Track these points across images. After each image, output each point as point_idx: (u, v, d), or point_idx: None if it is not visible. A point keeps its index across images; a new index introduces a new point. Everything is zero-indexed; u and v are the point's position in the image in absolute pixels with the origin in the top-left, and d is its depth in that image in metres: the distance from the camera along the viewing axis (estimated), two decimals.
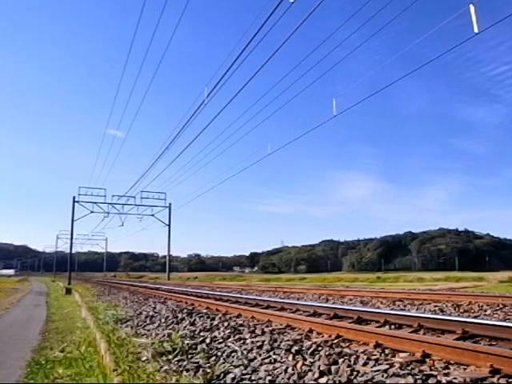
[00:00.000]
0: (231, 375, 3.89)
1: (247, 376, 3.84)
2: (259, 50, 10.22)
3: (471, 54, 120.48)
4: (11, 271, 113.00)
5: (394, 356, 4.23)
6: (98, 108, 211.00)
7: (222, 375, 3.93)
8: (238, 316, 8.03)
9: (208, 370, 4.05)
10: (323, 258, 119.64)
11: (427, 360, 3.99)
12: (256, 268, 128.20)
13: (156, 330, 6.79)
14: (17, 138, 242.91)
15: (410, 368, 3.66)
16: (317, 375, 3.65)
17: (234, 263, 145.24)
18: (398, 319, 6.17)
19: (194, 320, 7.60)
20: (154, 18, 28.61)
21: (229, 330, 6.15)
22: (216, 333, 6.08)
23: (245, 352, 4.73)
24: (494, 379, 3.32)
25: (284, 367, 3.95)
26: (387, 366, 3.71)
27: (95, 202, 40.69)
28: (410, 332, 5.26)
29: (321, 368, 3.78)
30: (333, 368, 3.78)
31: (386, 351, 4.42)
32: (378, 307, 9.77)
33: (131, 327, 7.41)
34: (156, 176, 75.22)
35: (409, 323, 5.92)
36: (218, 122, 15.43)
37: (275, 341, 5.14)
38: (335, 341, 5.07)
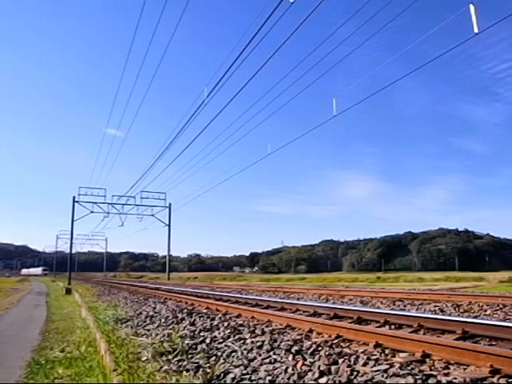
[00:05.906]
0: (231, 375, 3.88)
1: (247, 376, 3.84)
2: (259, 50, 10.23)
3: (471, 51, 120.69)
4: (38, 270, 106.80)
5: (394, 356, 4.23)
6: (98, 108, 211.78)
7: (222, 375, 3.93)
8: (238, 316, 8.03)
9: (208, 370, 4.05)
10: (323, 258, 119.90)
11: (427, 360, 3.99)
12: (256, 268, 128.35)
13: (156, 330, 6.78)
14: (16, 138, 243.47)
15: (410, 368, 3.66)
16: (317, 375, 3.65)
17: (234, 263, 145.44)
18: (398, 319, 6.16)
19: (194, 320, 7.60)
20: (154, 18, 28.65)
21: (229, 330, 6.14)
22: (216, 333, 6.08)
23: (245, 352, 4.72)
24: (494, 379, 3.31)
25: (284, 367, 3.95)
26: (387, 366, 3.71)
27: (95, 202, 40.71)
28: (410, 332, 5.26)
29: (321, 368, 3.78)
30: (333, 368, 3.78)
31: (386, 351, 4.41)
32: (378, 307, 9.77)
33: (131, 327, 7.41)
34: (156, 176, 75.36)
35: (409, 323, 5.91)
36: (217, 122, 15.47)
37: (275, 341, 5.13)
38: (335, 341, 5.07)
